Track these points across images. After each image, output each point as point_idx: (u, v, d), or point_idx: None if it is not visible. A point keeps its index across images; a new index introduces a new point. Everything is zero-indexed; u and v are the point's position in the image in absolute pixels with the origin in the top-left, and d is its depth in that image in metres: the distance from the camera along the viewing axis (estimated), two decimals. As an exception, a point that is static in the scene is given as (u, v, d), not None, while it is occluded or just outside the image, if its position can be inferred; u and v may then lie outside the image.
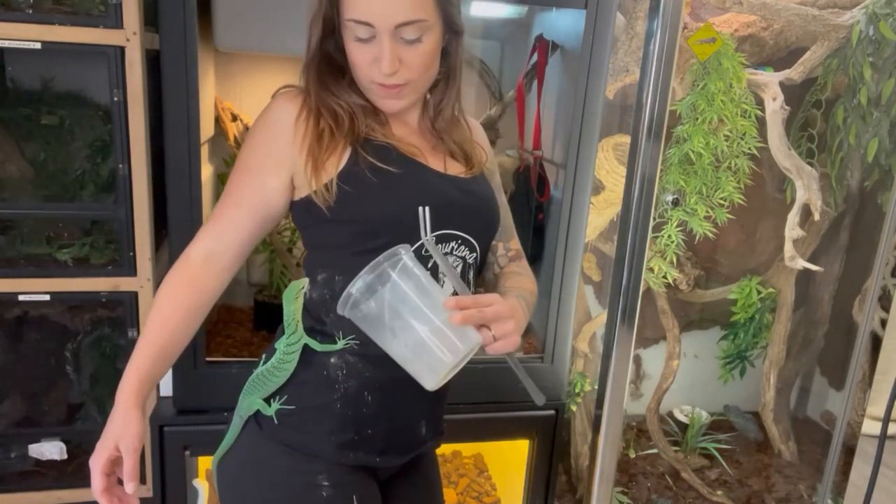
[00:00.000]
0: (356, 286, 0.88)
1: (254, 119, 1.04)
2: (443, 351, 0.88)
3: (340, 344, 1.00)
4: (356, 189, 0.97)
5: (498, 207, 1.12)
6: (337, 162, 0.98)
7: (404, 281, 0.88)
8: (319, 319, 1.03)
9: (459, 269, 1.03)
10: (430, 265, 0.99)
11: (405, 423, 1.06)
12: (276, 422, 1.02)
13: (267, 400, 1.03)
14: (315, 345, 1.00)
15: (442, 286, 0.98)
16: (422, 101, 1.08)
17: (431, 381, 0.90)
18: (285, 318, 1.01)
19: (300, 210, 1.02)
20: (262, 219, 1.01)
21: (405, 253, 0.90)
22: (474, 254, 1.05)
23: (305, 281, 1.02)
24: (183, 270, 1.00)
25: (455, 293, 0.94)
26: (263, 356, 1.07)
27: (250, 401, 1.04)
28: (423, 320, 0.88)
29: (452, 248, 1.02)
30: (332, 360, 1.01)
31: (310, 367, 1.02)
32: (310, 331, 1.02)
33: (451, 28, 1.01)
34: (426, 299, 0.89)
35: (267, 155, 1.00)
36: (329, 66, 1.01)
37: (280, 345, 1.02)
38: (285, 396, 1.02)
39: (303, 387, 1.02)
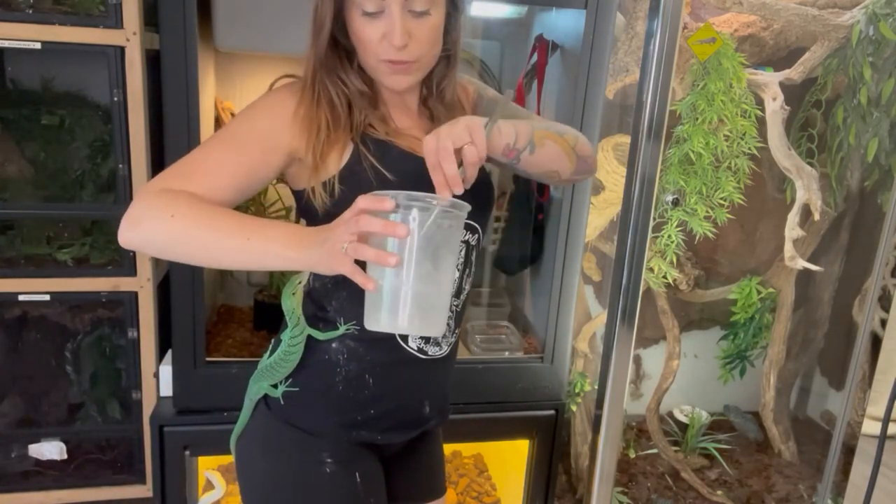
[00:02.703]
0: (398, 199, 0.81)
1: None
2: (391, 314, 0.83)
3: (342, 329, 1.02)
4: (353, 190, 0.95)
5: (492, 186, 1.12)
6: (338, 159, 0.97)
7: (420, 229, 0.82)
8: (322, 307, 1.05)
9: (463, 252, 1.04)
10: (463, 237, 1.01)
11: (407, 403, 1.09)
12: (282, 402, 1.06)
13: (274, 384, 1.07)
14: (318, 335, 1.04)
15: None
16: (421, 84, 1.07)
17: (367, 323, 0.86)
18: (286, 312, 1.04)
19: (298, 199, 1.04)
20: (245, 189, 0.96)
21: (438, 208, 0.83)
22: (476, 234, 1.07)
23: (302, 276, 1.04)
24: (179, 192, 0.90)
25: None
26: (271, 345, 1.10)
27: (259, 386, 1.09)
28: (403, 277, 0.82)
29: None
30: (334, 345, 1.04)
31: (313, 353, 1.05)
32: (312, 318, 1.05)
33: (453, 2, 1.01)
34: (424, 262, 0.83)
35: (266, 132, 0.97)
36: (334, 49, 1.00)
37: (285, 336, 1.05)
38: (290, 379, 1.06)
39: (306, 370, 1.05)
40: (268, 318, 1.84)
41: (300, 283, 1.03)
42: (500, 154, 0.96)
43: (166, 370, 1.62)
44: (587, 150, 1.09)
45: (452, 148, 0.86)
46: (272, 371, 1.06)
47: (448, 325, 1.06)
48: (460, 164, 0.87)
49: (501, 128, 0.95)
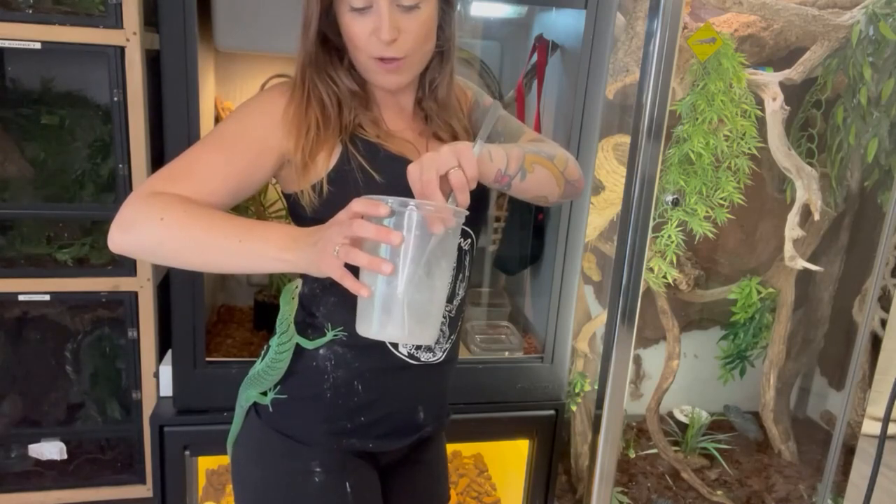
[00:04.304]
0: (390, 203, 0.78)
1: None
2: (382, 321, 0.81)
3: (329, 335, 1.01)
4: (341, 192, 0.95)
5: (487, 191, 1.10)
6: (327, 159, 0.96)
7: (415, 236, 0.80)
8: (310, 313, 1.04)
9: (456, 257, 1.03)
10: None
11: (399, 410, 1.07)
12: (271, 410, 1.05)
13: (263, 391, 1.07)
14: (306, 343, 1.03)
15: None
16: (416, 84, 1.06)
17: (359, 329, 0.84)
18: (279, 317, 1.03)
19: (288, 202, 1.03)
20: (238, 191, 0.95)
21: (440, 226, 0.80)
22: (469, 239, 1.06)
23: (299, 282, 1.04)
24: (170, 195, 0.89)
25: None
26: (262, 352, 1.10)
27: (248, 393, 1.08)
28: (396, 284, 0.80)
29: None
30: (322, 351, 1.02)
31: (300, 359, 1.04)
32: (301, 324, 1.04)
33: None
34: (419, 269, 0.80)
35: (257, 133, 0.96)
36: (325, 48, 0.99)
37: (273, 343, 1.04)
38: (279, 386, 1.05)
39: (294, 377, 1.04)
40: (268, 319, 1.84)
41: (297, 288, 1.03)
42: (491, 181, 0.94)
43: (166, 370, 1.62)
44: (575, 173, 1.08)
45: (437, 177, 0.83)
46: (261, 379, 1.05)
47: (442, 330, 1.04)
48: (451, 192, 0.84)
49: (493, 154, 0.93)
